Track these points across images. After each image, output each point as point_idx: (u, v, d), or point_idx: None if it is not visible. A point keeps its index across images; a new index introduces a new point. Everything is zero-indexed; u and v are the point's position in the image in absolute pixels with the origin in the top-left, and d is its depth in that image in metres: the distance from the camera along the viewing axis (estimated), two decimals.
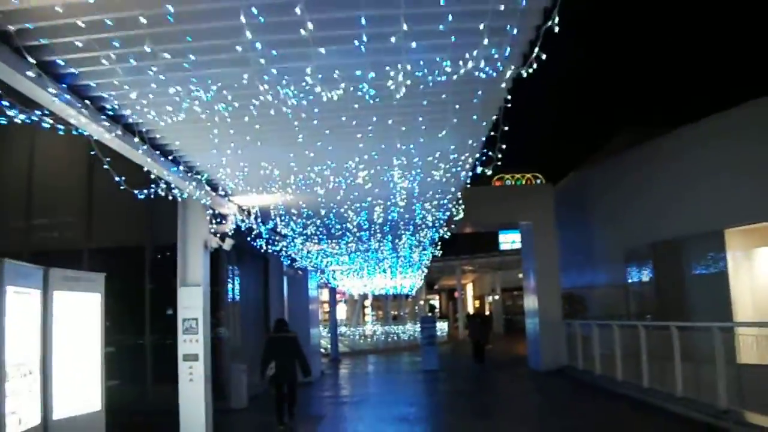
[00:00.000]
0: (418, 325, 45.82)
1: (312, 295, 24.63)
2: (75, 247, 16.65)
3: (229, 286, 18.22)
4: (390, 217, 14.36)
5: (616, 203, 25.54)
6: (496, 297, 59.84)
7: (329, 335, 36.56)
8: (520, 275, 57.68)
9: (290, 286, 22.40)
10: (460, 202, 13.22)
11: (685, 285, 22.15)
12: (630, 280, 25.46)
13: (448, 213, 14.52)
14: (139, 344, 16.54)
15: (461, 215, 14.17)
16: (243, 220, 13.21)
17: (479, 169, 9.20)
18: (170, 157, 9.55)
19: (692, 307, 21.45)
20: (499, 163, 8.33)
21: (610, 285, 25.99)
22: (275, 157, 9.62)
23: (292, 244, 17.37)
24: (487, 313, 56.48)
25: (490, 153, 8.47)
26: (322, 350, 37.38)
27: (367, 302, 54.61)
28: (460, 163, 10.01)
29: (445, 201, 13.37)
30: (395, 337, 42.67)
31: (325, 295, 39.04)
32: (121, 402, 11.86)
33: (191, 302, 11.89)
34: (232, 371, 17.05)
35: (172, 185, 10.07)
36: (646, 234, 23.34)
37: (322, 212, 13.66)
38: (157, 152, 9.13)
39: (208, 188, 11.18)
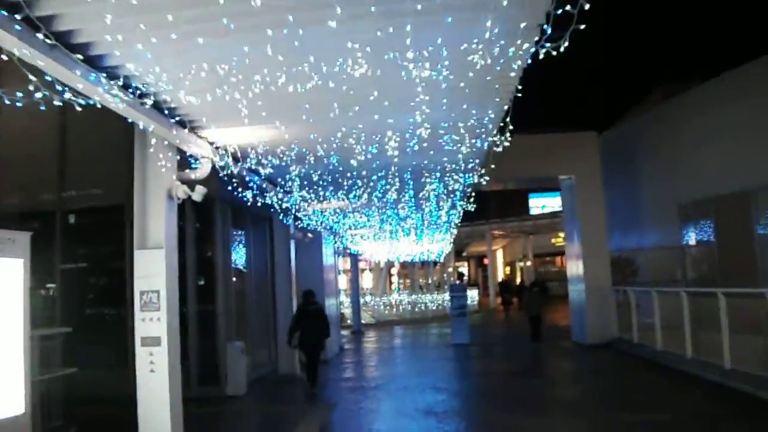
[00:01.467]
0: (448, 294, 44.00)
1: (327, 262, 21.87)
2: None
3: (225, 250, 15.53)
4: (409, 150, 11.09)
5: (670, 154, 22.62)
6: (528, 263, 56.98)
7: (351, 305, 34.01)
8: (553, 240, 57.16)
9: (300, 252, 19.79)
10: (498, 137, 9.79)
11: (755, 244, 19.18)
12: (686, 241, 22.53)
13: (486, 144, 11.07)
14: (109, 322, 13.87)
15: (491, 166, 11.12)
16: (225, 165, 10.41)
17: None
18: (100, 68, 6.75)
19: (765, 269, 18.54)
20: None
21: (663, 247, 23.05)
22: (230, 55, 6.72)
23: (288, 197, 14.48)
24: (519, 280, 53.87)
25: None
26: (345, 321, 35.18)
27: (393, 270, 52.05)
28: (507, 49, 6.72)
29: (482, 130, 10.31)
30: (423, 307, 40.18)
31: (346, 263, 36.62)
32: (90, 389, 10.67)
33: (150, 269, 9.09)
34: (228, 352, 14.41)
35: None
36: (705, 187, 20.41)
37: (320, 150, 10.65)
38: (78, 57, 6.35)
39: (165, 118, 8.37)
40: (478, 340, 24.63)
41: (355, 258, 34.38)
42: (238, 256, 17.20)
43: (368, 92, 7.90)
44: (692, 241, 22.42)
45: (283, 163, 11.41)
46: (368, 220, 21.67)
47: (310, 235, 19.06)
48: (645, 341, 18.03)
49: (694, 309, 15.34)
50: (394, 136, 10.13)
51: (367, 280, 48.98)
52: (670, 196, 22.67)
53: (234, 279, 16.23)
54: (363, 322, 34.14)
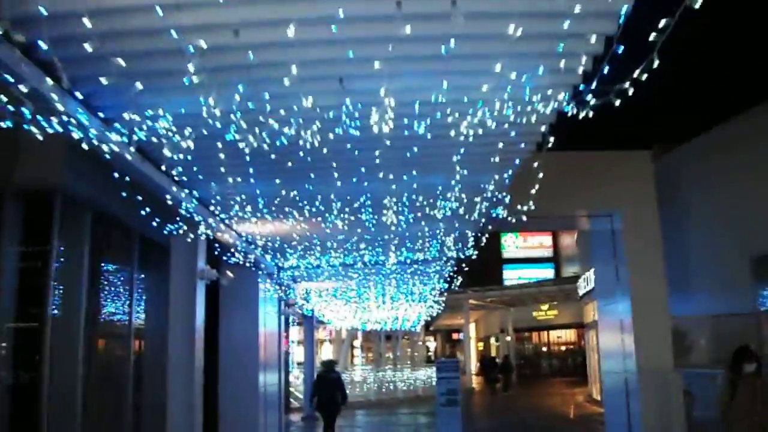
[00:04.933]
0: (421, 371, 37.53)
1: (266, 323, 15.42)
2: None
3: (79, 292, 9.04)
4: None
5: (744, 190, 16.65)
6: (507, 338, 50.64)
7: (304, 383, 27.25)
8: (534, 313, 51.26)
9: (226, 305, 13.36)
10: None
11: None
12: (765, 306, 16.49)
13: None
14: None
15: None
16: None
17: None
18: None
19: None
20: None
21: (730, 313, 16.82)
22: None
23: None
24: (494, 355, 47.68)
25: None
26: (294, 402, 28.42)
27: (357, 342, 45.59)
28: None
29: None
30: (391, 386, 33.36)
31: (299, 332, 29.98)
32: None
33: None
34: None
35: None
36: None
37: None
38: None
39: None
40: None
41: (310, 323, 27.66)
42: (112, 306, 10.64)
43: None
44: None
45: None
46: (331, 268, 15.43)
47: (229, 274, 12.40)
48: None
49: None
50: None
51: (326, 353, 43.44)
52: (741, 246, 16.65)
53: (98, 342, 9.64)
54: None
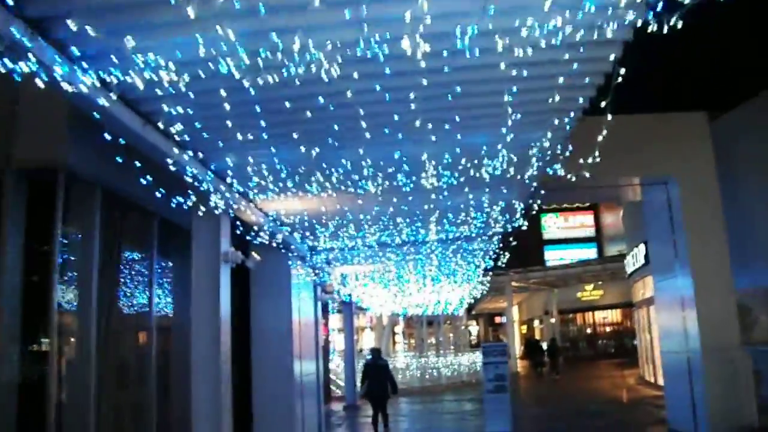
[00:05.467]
0: (464, 357, 36.46)
1: (300, 307, 14.58)
2: None
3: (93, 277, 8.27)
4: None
5: None
6: (552, 320, 49.35)
7: (345, 371, 26.43)
8: (579, 294, 49.83)
9: (258, 293, 12.57)
10: None
11: None
12: None
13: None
14: None
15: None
16: None
17: None
18: None
19: None
20: None
21: None
22: None
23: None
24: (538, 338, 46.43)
25: None
26: (336, 391, 27.68)
27: (398, 329, 44.71)
28: None
29: None
30: (434, 373, 32.42)
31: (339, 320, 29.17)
32: None
33: None
34: None
35: None
36: None
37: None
38: None
39: None
40: (525, 426, 17.04)
41: (350, 310, 26.79)
42: (130, 295, 9.87)
43: None
44: None
45: None
46: (367, 248, 14.53)
47: (256, 256, 11.48)
48: None
49: None
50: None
51: (368, 340, 42.25)
52: None
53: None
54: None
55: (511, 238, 13.53)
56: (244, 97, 5.81)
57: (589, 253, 64.20)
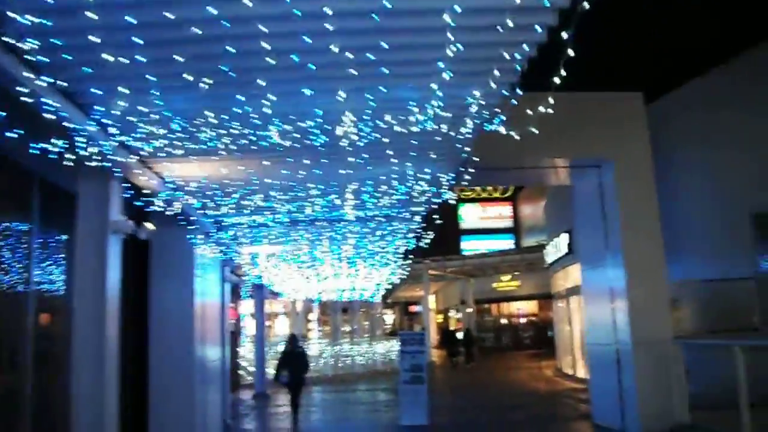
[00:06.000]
0: (379, 345, 35.55)
1: (203, 288, 13.29)
2: None
3: None
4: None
5: (742, 137, 15.03)
6: (468, 310, 49.01)
7: (255, 358, 25.12)
8: (495, 284, 49.69)
9: (152, 265, 11.25)
10: None
11: None
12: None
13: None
14: None
15: None
16: None
17: None
18: None
19: None
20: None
21: (727, 278, 15.08)
22: None
23: None
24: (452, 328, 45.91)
25: None
26: (248, 378, 26.38)
27: (312, 315, 43.54)
28: None
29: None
30: (348, 361, 31.48)
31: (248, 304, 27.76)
32: None
33: None
34: None
35: None
36: None
37: None
38: None
39: None
40: (442, 419, 16.14)
41: (261, 294, 25.43)
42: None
43: None
44: None
45: None
46: (278, 225, 13.27)
47: (149, 226, 9.99)
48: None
49: None
50: None
51: (282, 326, 41.33)
52: (741, 202, 14.96)
53: None
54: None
55: (435, 216, 12.48)
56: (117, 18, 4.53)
57: (507, 244, 64.21)
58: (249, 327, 30.45)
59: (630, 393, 13.04)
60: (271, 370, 25.73)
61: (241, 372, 26.85)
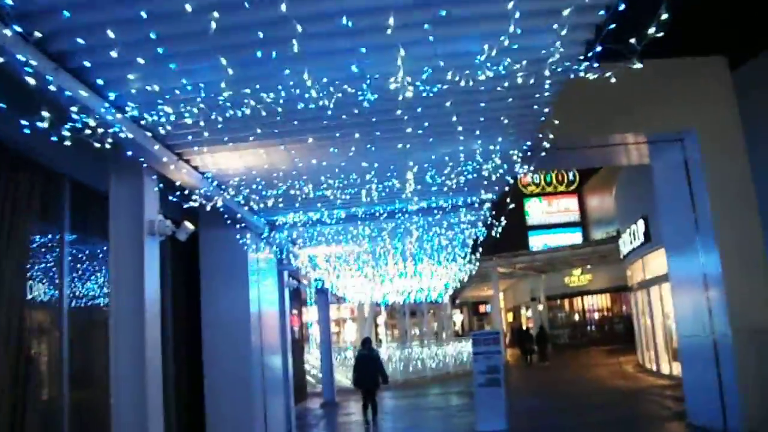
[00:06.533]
0: (449, 347, 34.51)
1: (260, 293, 12.51)
2: None
3: None
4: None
5: None
6: (539, 307, 47.65)
7: (321, 365, 24.36)
8: (566, 279, 48.15)
9: (202, 270, 10.53)
10: None
11: None
12: None
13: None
14: None
15: None
16: None
17: None
18: None
19: None
20: None
21: None
22: None
23: None
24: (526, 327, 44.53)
25: None
26: (317, 385, 25.71)
27: (380, 319, 42.83)
28: None
29: None
30: (419, 364, 30.57)
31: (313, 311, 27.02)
32: None
33: None
34: None
35: None
36: None
37: None
38: None
39: None
40: (521, 423, 15.03)
41: (325, 299, 24.66)
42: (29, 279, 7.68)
43: None
44: None
45: None
46: (335, 221, 12.42)
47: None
48: None
49: None
50: None
51: (350, 332, 41.07)
52: None
53: None
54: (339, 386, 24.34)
55: (508, 200, 11.37)
56: None
57: (575, 237, 62.38)
58: (316, 334, 29.87)
59: (731, 389, 11.74)
60: (339, 377, 25.07)
61: (310, 379, 26.18)
